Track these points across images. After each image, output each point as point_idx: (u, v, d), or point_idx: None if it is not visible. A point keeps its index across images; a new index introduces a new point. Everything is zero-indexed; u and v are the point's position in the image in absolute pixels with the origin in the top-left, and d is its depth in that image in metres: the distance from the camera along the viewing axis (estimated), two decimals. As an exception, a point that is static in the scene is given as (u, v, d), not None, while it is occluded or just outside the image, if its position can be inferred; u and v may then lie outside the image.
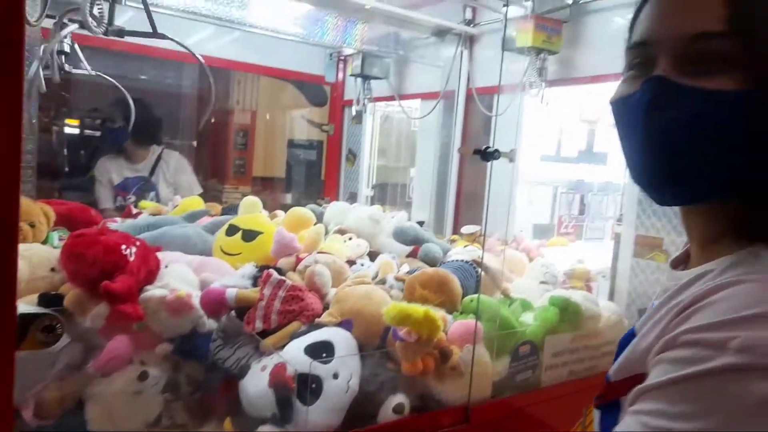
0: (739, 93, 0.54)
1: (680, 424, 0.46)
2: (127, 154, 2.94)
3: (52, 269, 1.41)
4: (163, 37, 1.72)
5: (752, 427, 0.44)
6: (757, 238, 0.57)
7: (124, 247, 1.36)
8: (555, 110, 2.67)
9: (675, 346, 0.52)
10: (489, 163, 1.45)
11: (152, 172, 2.94)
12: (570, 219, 2.71)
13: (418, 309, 1.26)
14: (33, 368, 1.14)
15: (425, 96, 2.83)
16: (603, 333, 1.67)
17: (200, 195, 2.69)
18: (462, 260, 1.78)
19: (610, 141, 2.80)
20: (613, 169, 2.85)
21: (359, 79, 2.91)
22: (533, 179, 2.74)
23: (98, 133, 3.37)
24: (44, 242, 1.64)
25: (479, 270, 1.73)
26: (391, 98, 2.97)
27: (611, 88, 0.67)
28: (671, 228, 1.89)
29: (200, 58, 1.72)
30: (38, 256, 1.41)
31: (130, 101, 2.10)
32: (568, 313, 1.58)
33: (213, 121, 3.80)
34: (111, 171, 2.89)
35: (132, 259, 1.35)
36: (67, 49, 1.80)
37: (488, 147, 1.30)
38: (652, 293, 1.92)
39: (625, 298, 2.02)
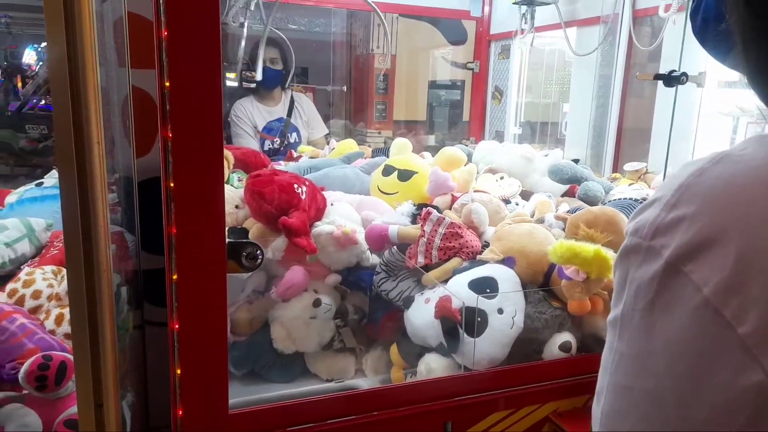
0: None
1: (611, 314, 0.47)
2: (261, 97, 2.93)
3: (237, 206, 1.57)
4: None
5: (639, 317, 0.43)
6: None
7: (296, 186, 1.47)
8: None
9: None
10: (667, 91, 1.30)
11: (289, 113, 2.95)
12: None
13: (587, 248, 1.20)
14: (230, 291, 1.30)
15: (582, 23, 2.59)
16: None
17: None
18: (630, 198, 1.65)
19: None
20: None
21: (522, 7, 2.66)
22: (708, 109, 2.40)
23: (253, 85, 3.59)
24: (226, 183, 1.82)
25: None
26: (546, 28, 2.74)
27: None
28: None
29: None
30: (225, 195, 1.57)
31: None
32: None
33: (359, 65, 3.87)
34: (253, 115, 2.91)
35: (304, 197, 1.46)
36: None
37: (674, 71, 1.16)
38: None
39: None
